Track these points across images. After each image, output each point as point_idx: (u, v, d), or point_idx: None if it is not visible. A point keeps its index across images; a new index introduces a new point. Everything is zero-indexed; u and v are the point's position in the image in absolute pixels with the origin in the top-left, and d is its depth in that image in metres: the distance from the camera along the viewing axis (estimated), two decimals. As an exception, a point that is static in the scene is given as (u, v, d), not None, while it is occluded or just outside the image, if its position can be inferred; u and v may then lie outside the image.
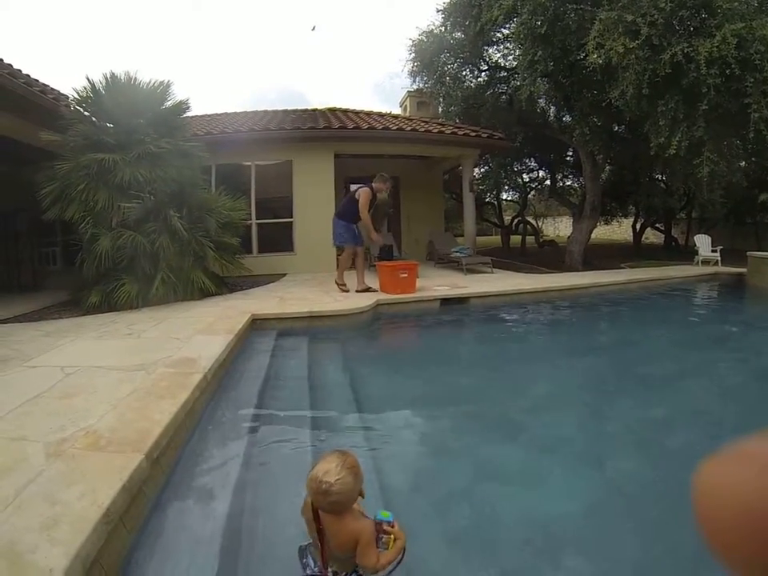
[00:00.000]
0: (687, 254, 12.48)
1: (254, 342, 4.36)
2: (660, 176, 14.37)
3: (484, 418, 3.16)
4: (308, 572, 1.47)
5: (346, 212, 6.60)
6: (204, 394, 2.84)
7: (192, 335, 4.06)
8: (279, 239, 9.88)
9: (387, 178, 6.70)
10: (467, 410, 3.25)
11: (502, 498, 2.23)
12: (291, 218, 9.78)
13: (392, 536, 1.41)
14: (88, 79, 6.49)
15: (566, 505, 2.16)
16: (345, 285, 6.58)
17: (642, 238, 17.03)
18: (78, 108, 6.56)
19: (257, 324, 4.80)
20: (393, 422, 2.99)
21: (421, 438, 2.89)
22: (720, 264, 10.30)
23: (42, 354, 3.75)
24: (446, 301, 6.12)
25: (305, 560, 1.49)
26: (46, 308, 6.45)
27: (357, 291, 6.43)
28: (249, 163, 9.73)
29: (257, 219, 9.59)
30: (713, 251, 10.78)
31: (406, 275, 6.26)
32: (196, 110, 11.93)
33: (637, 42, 7.02)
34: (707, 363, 4.38)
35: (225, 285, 7.01)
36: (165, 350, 3.56)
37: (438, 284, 7.00)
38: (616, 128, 11.05)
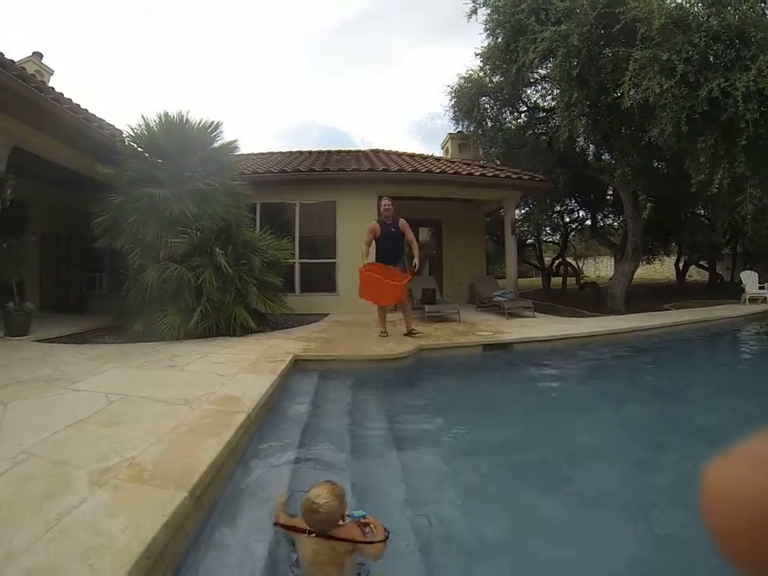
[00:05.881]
0: (733, 291, 11.96)
1: (297, 383, 4.33)
2: (702, 211, 14.01)
3: (525, 467, 3.04)
4: None
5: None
6: (247, 434, 2.82)
7: (236, 372, 4.07)
8: (322, 279, 9.85)
9: (383, 199, 6.57)
10: (508, 459, 3.14)
11: (543, 551, 2.13)
12: (334, 258, 9.80)
13: (372, 524, 1.74)
14: (143, 117, 6.90)
15: (611, 560, 2.05)
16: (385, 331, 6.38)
17: (686, 276, 16.48)
18: (133, 144, 6.93)
19: (299, 365, 4.77)
20: (431, 469, 2.91)
21: (460, 486, 2.80)
22: (769, 301, 9.86)
23: (87, 377, 3.86)
24: (488, 346, 5.99)
25: None
26: (90, 331, 6.71)
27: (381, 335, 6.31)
28: (293, 202, 9.88)
29: (300, 258, 9.67)
30: (760, 288, 10.34)
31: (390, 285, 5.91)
32: (242, 146, 12.43)
33: (673, 80, 7.01)
34: (763, 410, 4.11)
35: (267, 322, 7.01)
36: (208, 386, 3.58)
37: (480, 329, 6.90)
38: (656, 164, 10.91)
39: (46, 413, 2.89)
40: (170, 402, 3.12)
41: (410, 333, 6.31)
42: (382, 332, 6.31)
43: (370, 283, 5.99)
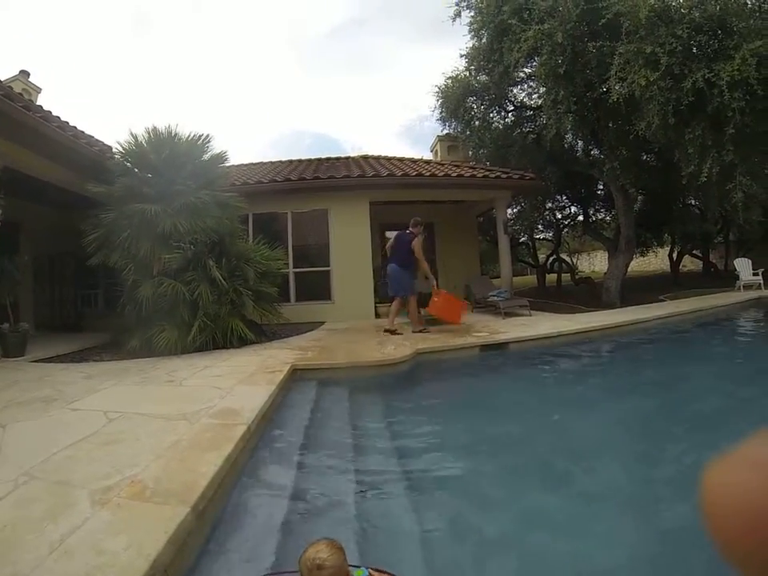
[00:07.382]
0: (727, 279, 12.02)
1: (295, 392, 4.32)
2: (693, 201, 14.10)
3: (527, 465, 3.05)
4: None
5: (410, 262, 6.97)
6: (247, 446, 2.81)
7: (233, 385, 4.06)
8: (317, 287, 9.80)
9: (419, 221, 7.01)
10: (509, 458, 3.16)
11: (548, 549, 2.14)
12: (328, 266, 9.78)
13: None
14: (131, 133, 6.87)
15: (616, 555, 2.06)
16: (397, 329, 6.79)
17: (680, 267, 16.56)
18: (122, 161, 6.91)
19: (297, 374, 4.75)
20: (434, 471, 2.91)
21: (462, 486, 2.80)
22: (763, 287, 9.98)
23: (85, 396, 3.85)
24: (485, 347, 6.01)
25: None
26: (87, 349, 6.67)
27: (414, 332, 6.78)
28: (285, 212, 9.86)
29: (294, 267, 9.62)
30: (754, 275, 10.43)
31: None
32: (237, 157, 12.39)
33: (658, 73, 7.07)
34: (762, 395, 4.12)
35: (263, 333, 7.00)
36: (206, 400, 3.56)
37: (476, 330, 6.93)
38: (645, 157, 10.97)
39: (46, 433, 2.89)
40: (169, 418, 3.11)
41: (420, 330, 6.93)
42: (423, 328, 6.90)
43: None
